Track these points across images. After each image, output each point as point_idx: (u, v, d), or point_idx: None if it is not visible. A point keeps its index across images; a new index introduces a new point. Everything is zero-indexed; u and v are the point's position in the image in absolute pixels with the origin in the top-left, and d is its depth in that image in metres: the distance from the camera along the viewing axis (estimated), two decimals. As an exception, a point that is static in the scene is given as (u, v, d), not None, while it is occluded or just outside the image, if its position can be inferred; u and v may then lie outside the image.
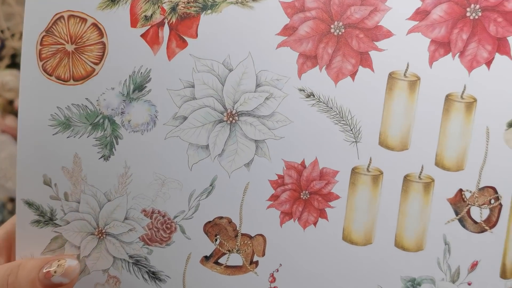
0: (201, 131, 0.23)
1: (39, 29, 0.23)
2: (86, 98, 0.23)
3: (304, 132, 0.23)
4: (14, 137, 0.67)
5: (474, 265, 0.25)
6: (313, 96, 0.23)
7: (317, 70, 0.23)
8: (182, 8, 0.22)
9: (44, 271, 0.23)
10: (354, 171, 0.24)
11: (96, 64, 0.23)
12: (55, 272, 0.24)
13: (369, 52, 0.23)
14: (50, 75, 0.23)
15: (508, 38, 0.24)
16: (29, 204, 0.24)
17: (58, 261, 0.24)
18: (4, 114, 0.67)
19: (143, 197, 0.23)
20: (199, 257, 0.23)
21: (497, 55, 0.24)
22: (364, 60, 0.23)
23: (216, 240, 0.23)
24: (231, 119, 0.23)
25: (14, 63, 0.65)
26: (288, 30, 0.23)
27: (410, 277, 0.24)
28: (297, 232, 0.23)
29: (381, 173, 0.24)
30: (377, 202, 0.24)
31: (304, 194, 0.23)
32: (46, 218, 0.24)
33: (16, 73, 0.64)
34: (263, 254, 0.23)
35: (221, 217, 0.23)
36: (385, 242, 0.24)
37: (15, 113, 0.67)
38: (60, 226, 0.24)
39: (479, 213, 0.25)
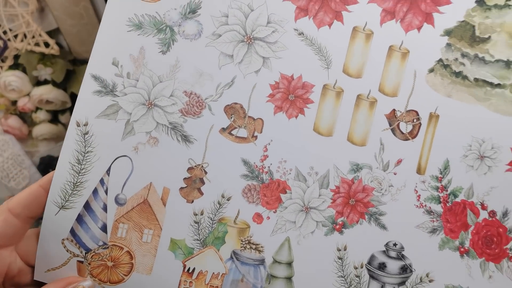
0: (229, 45, 0.41)
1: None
2: (156, 12, 0.39)
3: (295, 57, 0.41)
4: (17, 137, 0.76)
5: (399, 162, 0.43)
6: (303, 35, 0.42)
7: (307, 19, 0.42)
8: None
9: None
10: (325, 87, 0.42)
11: (168, -8, 0.41)
12: None
13: (342, 12, 0.43)
14: (135, -8, 0.40)
15: (433, 13, 0.44)
16: (95, 77, 0.38)
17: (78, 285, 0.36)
18: (7, 115, 0.75)
19: (185, 82, 0.40)
20: (218, 128, 0.39)
21: (425, 24, 0.44)
22: (338, 16, 0.42)
23: (231, 118, 0.40)
24: (249, 41, 0.41)
25: (17, 64, 0.71)
26: (291, -9, 0.42)
27: (355, 162, 0.42)
28: (284, 120, 0.41)
29: (342, 91, 0.43)
30: (337, 109, 0.42)
31: (291, 96, 0.42)
32: (107, 90, 0.38)
33: (19, 73, 0.71)
34: (261, 132, 0.41)
35: (236, 103, 0.40)
36: (341, 136, 0.41)
37: (17, 113, 0.76)
38: (118, 96, 0.39)
39: (405, 127, 0.44)
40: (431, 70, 0.42)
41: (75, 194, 0.37)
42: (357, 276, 0.41)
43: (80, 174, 0.37)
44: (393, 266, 0.41)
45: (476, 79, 0.43)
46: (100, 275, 0.37)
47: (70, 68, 0.73)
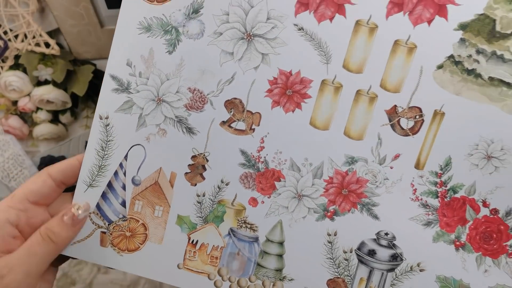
0: (230, 43, 0.44)
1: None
2: (163, 14, 0.43)
3: (294, 52, 0.43)
4: (18, 138, 0.77)
5: (396, 156, 0.45)
6: (303, 30, 0.43)
7: (307, 13, 0.43)
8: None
9: (69, 215, 0.43)
10: (323, 82, 0.44)
11: (172, -5, 0.45)
12: (79, 212, 0.44)
13: (344, 4, 0.43)
14: (143, -3, 0.45)
15: (447, 5, 0.42)
16: (113, 77, 0.44)
17: (73, 207, 0.44)
18: (7, 115, 0.76)
19: (189, 80, 0.44)
20: (219, 121, 0.44)
21: (436, 16, 0.42)
22: (340, 9, 0.43)
23: (231, 111, 0.45)
24: (249, 38, 0.44)
25: (18, 64, 0.72)
26: (292, -15, 0.43)
27: (351, 155, 0.45)
28: (281, 114, 0.44)
29: (341, 86, 0.44)
30: (336, 104, 0.44)
31: (288, 91, 0.44)
32: (123, 88, 0.44)
33: (20, 74, 0.72)
34: (258, 125, 0.44)
35: (235, 98, 0.44)
36: (337, 130, 0.44)
37: (18, 113, 0.77)
38: (132, 93, 0.45)
39: (406, 123, 0.45)
40: (440, 67, 0.42)
41: (100, 175, 0.46)
42: (345, 259, 0.46)
43: (103, 159, 0.46)
44: (383, 253, 0.45)
45: (491, 78, 0.41)
46: (120, 244, 0.47)
47: (71, 68, 0.73)
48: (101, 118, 0.45)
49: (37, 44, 0.71)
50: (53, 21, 0.71)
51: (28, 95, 0.75)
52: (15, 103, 0.77)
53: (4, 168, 0.77)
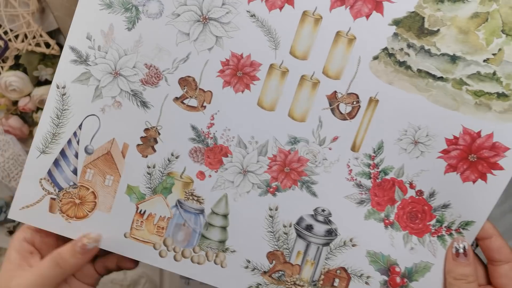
0: (186, 24, 0.48)
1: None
2: None
3: (245, 37, 0.47)
4: (18, 138, 0.78)
5: (335, 138, 0.49)
6: (255, 16, 0.47)
7: (260, 1, 0.47)
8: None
9: (79, 244, 0.46)
10: (271, 66, 0.48)
11: (133, -26, 0.48)
12: (88, 242, 0.46)
13: (293, -4, 0.47)
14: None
15: (383, 2, 0.47)
16: (73, 49, 0.47)
17: (84, 237, 0.46)
18: (8, 115, 0.77)
19: (146, 56, 0.47)
20: (172, 97, 0.47)
21: (374, 12, 0.47)
22: (289, 0, 0.48)
23: (184, 88, 0.49)
24: (204, 21, 0.48)
25: (18, 64, 0.73)
26: (246, -26, 0.47)
27: (293, 135, 0.49)
28: (231, 94, 0.47)
29: (287, 70, 0.48)
30: (281, 87, 0.48)
31: (239, 73, 0.48)
32: (82, 60, 0.47)
33: (20, 74, 0.72)
34: (210, 102, 0.48)
35: (189, 76, 0.47)
36: (282, 111, 0.47)
37: (18, 113, 0.77)
38: (90, 66, 0.47)
39: (344, 108, 0.49)
40: (376, 58, 0.47)
41: (54, 142, 0.48)
42: (285, 233, 0.49)
43: (58, 127, 0.48)
44: (320, 228, 0.49)
45: (419, 70, 0.46)
46: (69, 211, 0.49)
47: (71, 68, 0.72)
48: (58, 87, 0.47)
49: (37, 44, 0.71)
50: (53, 21, 0.72)
51: (29, 95, 0.75)
52: (15, 103, 0.77)
53: (5, 168, 0.77)
